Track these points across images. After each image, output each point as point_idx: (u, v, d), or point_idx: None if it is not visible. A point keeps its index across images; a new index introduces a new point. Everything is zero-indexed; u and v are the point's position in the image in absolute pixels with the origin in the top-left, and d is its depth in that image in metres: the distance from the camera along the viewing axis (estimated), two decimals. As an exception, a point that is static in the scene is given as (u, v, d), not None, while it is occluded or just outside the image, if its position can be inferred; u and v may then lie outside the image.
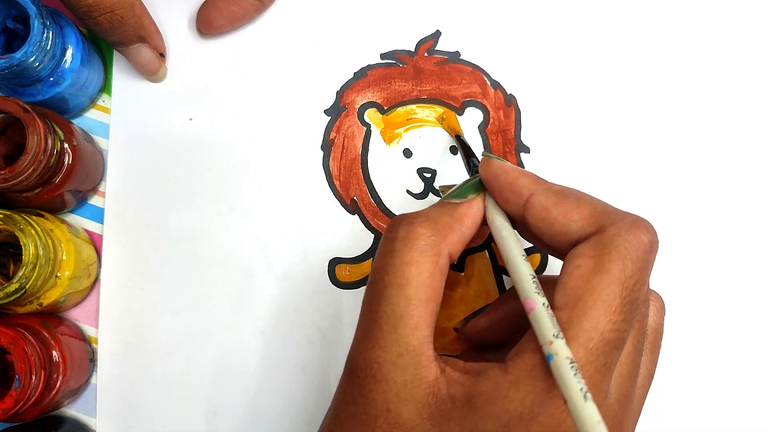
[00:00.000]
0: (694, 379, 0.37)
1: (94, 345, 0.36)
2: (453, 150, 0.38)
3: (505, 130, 0.38)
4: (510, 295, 0.31)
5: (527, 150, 0.38)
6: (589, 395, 0.21)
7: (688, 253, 0.37)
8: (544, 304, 0.24)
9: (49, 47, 0.32)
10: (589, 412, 0.21)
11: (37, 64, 0.32)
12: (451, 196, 0.28)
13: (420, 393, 0.24)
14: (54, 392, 0.33)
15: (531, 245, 0.36)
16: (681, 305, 0.37)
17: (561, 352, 0.22)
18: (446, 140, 0.38)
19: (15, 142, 0.34)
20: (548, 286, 0.26)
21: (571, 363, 0.22)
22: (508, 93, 0.38)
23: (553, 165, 0.38)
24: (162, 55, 0.37)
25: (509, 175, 0.27)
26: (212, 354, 0.36)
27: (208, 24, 0.37)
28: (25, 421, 0.33)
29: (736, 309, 0.37)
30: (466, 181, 0.29)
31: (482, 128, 0.38)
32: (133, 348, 0.36)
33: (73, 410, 0.36)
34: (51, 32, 0.31)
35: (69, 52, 0.34)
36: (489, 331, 0.31)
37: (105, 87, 0.38)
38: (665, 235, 0.37)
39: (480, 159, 0.30)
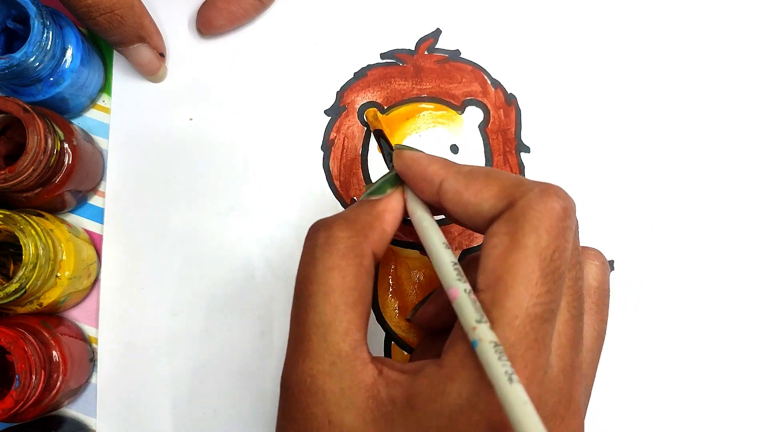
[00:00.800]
0: (693, 381, 0.36)
1: (94, 345, 0.36)
2: (453, 149, 0.38)
3: (505, 130, 0.38)
4: None
5: (527, 149, 0.38)
6: (515, 377, 0.21)
7: (689, 253, 0.37)
8: (465, 290, 0.23)
9: (49, 47, 0.32)
10: (515, 394, 0.20)
11: (37, 64, 0.32)
12: (370, 193, 0.28)
13: (359, 398, 0.24)
14: (54, 392, 0.33)
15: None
16: (685, 304, 0.37)
17: (484, 336, 0.22)
18: (446, 139, 0.38)
19: (15, 142, 0.34)
20: (474, 264, 0.26)
21: (495, 346, 0.21)
22: (509, 92, 0.38)
23: (553, 165, 0.37)
24: (162, 55, 0.37)
25: (420, 163, 0.27)
26: (212, 354, 0.36)
27: (208, 24, 0.37)
28: (25, 421, 0.33)
29: (739, 312, 0.37)
30: (384, 176, 0.28)
31: (482, 127, 0.38)
32: (133, 348, 0.36)
33: (73, 410, 0.36)
34: (51, 32, 0.31)
35: (69, 52, 0.34)
36: (438, 316, 0.31)
37: (105, 87, 0.38)
38: (666, 235, 0.37)
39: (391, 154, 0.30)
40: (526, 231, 0.23)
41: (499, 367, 0.21)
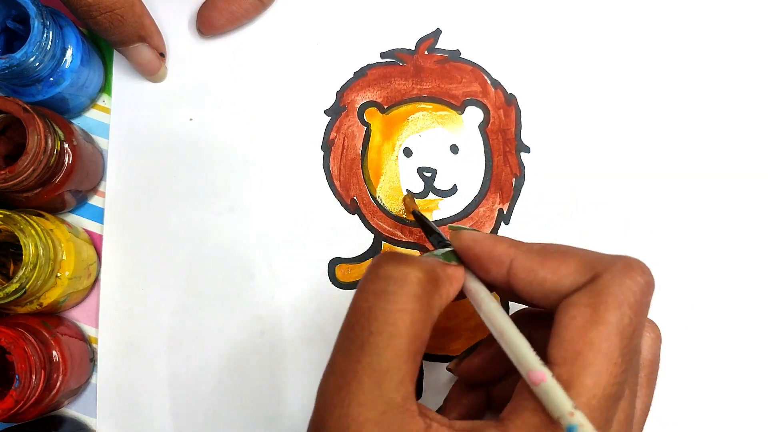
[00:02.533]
0: (692, 382, 0.36)
1: (94, 345, 0.36)
2: (453, 149, 0.38)
3: (505, 130, 0.38)
4: None
5: (527, 150, 0.38)
6: None
7: (689, 253, 0.37)
8: (552, 375, 0.23)
9: (49, 47, 0.32)
10: None
11: (37, 64, 0.32)
12: (436, 256, 0.27)
13: None
14: (54, 392, 0.33)
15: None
16: (685, 305, 0.37)
17: (586, 424, 0.21)
18: (446, 139, 0.38)
19: (15, 142, 0.34)
20: (524, 321, 0.25)
21: None
22: (509, 92, 0.38)
23: (553, 165, 0.37)
24: (162, 55, 0.37)
25: (484, 244, 0.26)
26: (212, 354, 0.36)
27: (208, 24, 0.37)
28: (25, 421, 0.33)
29: (739, 313, 0.37)
30: (446, 249, 0.28)
31: (482, 127, 0.38)
32: (133, 348, 0.36)
33: (73, 410, 0.36)
34: (51, 32, 0.31)
35: (69, 52, 0.34)
36: (483, 370, 0.30)
37: (105, 87, 0.38)
38: (666, 235, 0.37)
39: (438, 234, 0.30)
40: (610, 306, 0.23)
41: None
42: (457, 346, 0.36)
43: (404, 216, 0.37)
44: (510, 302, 0.36)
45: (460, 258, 0.27)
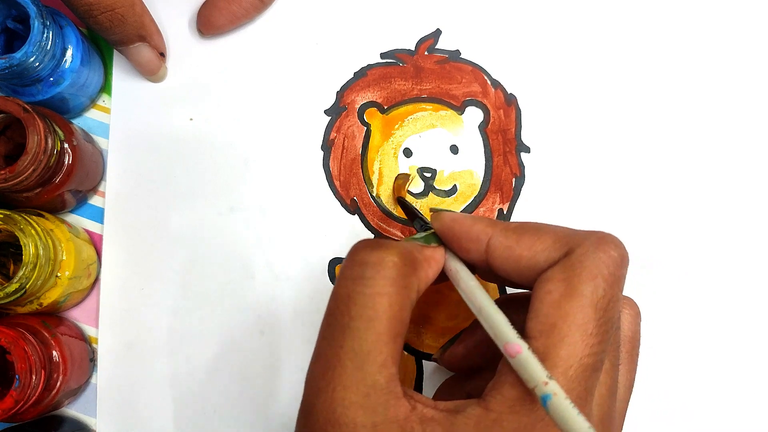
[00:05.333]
0: (692, 382, 0.37)
1: (94, 345, 0.36)
2: (453, 149, 0.38)
3: (505, 130, 0.38)
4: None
5: (527, 150, 0.38)
6: (592, 430, 0.21)
7: (689, 253, 0.37)
8: (528, 347, 0.23)
9: (49, 47, 0.32)
10: None
11: (37, 64, 0.32)
12: (415, 240, 0.28)
13: None
14: (54, 392, 0.33)
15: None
16: (685, 305, 0.37)
17: (559, 392, 0.21)
18: (446, 140, 0.38)
19: (15, 142, 0.34)
20: (510, 306, 0.25)
21: (572, 402, 0.21)
22: (509, 92, 0.38)
23: (553, 165, 0.38)
24: (162, 55, 0.37)
25: (463, 223, 0.27)
26: (212, 354, 0.36)
27: (208, 24, 0.37)
28: (25, 421, 0.33)
29: (739, 313, 0.37)
30: (427, 232, 0.28)
31: (482, 127, 0.38)
32: (133, 348, 0.36)
33: (73, 410, 0.36)
34: (51, 32, 0.31)
35: (69, 52, 0.34)
36: (467, 358, 0.30)
37: (105, 87, 0.38)
38: (666, 236, 0.37)
39: (421, 218, 0.30)
40: (584, 278, 0.23)
41: (581, 422, 0.21)
42: (457, 346, 0.36)
43: (401, 214, 0.37)
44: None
45: (440, 240, 0.28)
